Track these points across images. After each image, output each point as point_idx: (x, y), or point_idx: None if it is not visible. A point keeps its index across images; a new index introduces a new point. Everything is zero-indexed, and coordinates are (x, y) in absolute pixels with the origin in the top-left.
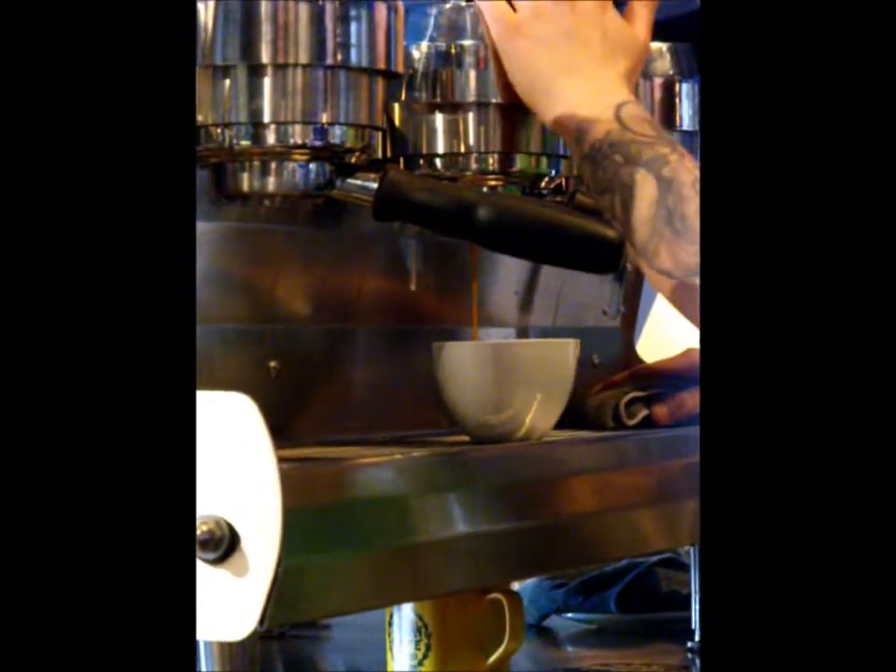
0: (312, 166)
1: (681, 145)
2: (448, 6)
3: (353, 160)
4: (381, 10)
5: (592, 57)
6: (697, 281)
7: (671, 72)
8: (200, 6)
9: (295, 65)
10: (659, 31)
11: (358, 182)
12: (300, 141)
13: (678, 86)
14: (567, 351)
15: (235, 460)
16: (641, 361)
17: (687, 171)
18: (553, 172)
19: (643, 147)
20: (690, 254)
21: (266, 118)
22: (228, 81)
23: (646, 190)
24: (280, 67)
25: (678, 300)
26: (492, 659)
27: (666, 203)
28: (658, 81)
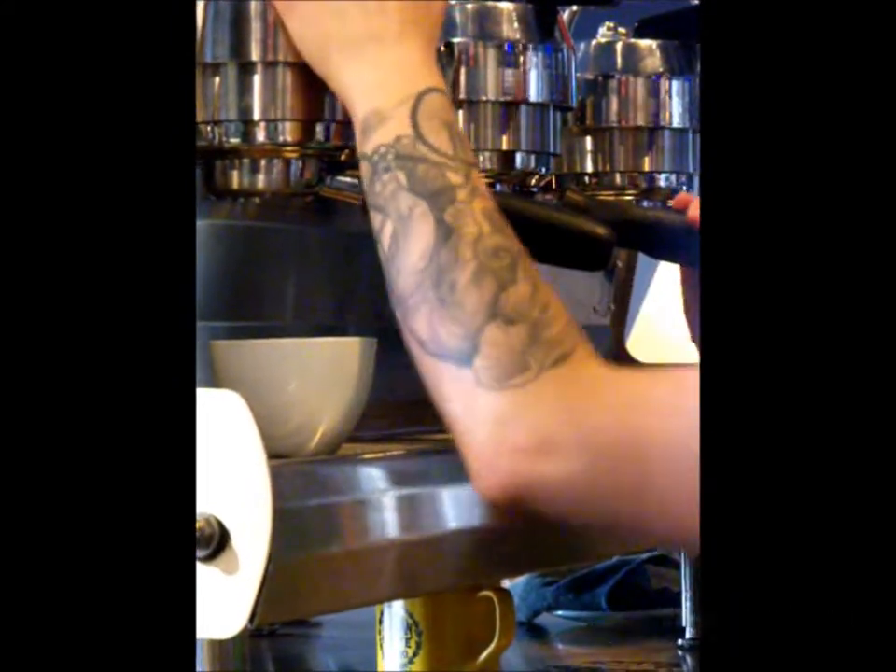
0: (301, 164)
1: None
2: None
3: (342, 157)
4: None
5: (389, 26)
6: (449, 365)
7: (661, 69)
8: None
9: (285, 63)
10: (648, 28)
11: (348, 180)
12: (289, 138)
13: (667, 83)
14: (356, 350)
15: (226, 457)
16: (632, 358)
17: (472, 219)
18: (544, 169)
19: (432, 171)
20: (449, 332)
21: (256, 115)
22: (218, 79)
23: (422, 234)
24: (270, 65)
25: (425, 374)
26: (482, 657)
27: (439, 259)
28: (648, 79)
